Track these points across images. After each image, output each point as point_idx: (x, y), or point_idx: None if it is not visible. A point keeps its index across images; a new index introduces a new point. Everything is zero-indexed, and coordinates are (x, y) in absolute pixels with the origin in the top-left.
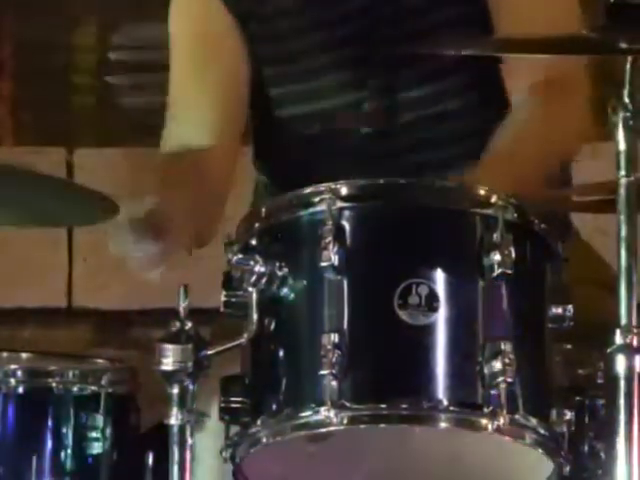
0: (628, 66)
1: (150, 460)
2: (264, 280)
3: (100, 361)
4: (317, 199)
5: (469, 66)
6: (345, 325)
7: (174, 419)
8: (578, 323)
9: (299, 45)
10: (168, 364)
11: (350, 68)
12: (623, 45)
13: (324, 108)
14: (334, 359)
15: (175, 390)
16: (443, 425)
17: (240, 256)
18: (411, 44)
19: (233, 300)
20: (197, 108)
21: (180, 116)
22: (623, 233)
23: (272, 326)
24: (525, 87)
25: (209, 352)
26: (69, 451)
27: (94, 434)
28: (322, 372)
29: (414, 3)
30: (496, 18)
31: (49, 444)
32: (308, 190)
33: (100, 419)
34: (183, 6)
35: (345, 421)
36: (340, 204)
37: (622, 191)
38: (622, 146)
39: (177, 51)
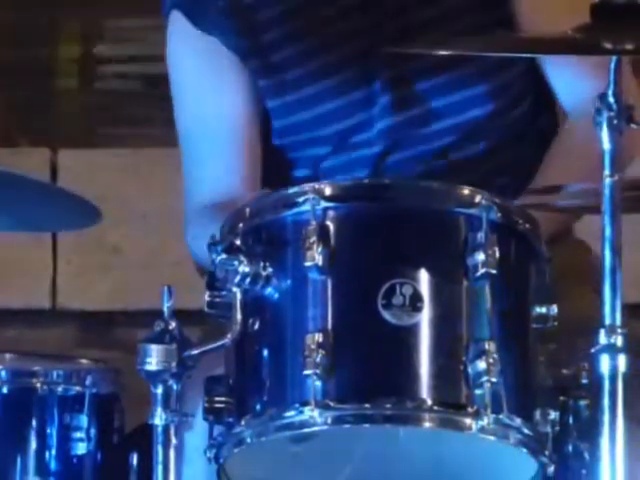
0: (612, 66)
1: (134, 460)
2: (248, 280)
3: (84, 361)
4: (301, 199)
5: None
6: (329, 325)
7: (158, 419)
8: (570, 322)
9: (301, 72)
10: (152, 364)
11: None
12: (608, 45)
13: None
14: (318, 359)
15: (159, 390)
16: (427, 425)
17: (224, 256)
18: (415, 38)
19: (217, 300)
20: (220, 151)
21: (206, 161)
22: (607, 233)
23: (256, 326)
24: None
25: (193, 352)
26: (53, 451)
27: (78, 434)
28: (306, 372)
29: None
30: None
31: (33, 444)
32: (292, 190)
33: (84, 419)
34: (180, 46)
35: (329, 421)
36: (324, 204)
37: (606, 191)
38: (607, 145)
39: (181, 86)
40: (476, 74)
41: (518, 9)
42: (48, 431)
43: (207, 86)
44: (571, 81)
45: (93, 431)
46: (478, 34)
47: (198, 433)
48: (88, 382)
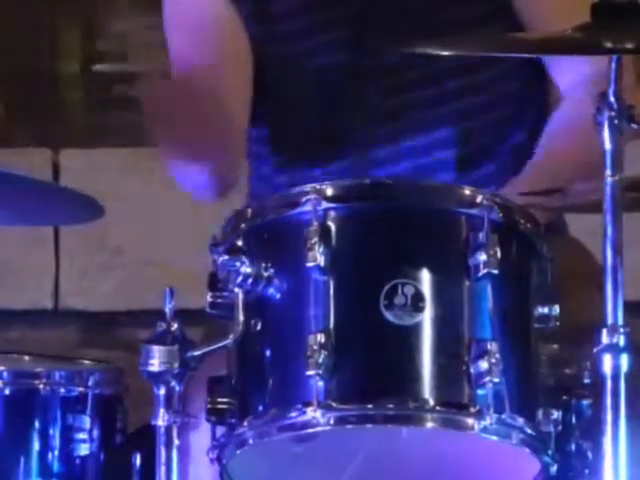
0: (613, 65)
1: (137, 461)
2: (250, 281)
3: (87, 362)
4: (303, 199)
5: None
6: (331, 325)
7: (161, 420)
8: (571, 322)
9: (293, 25)
10: (154, 365)
11: (347, 48)
12: (608, 44)
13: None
14: (320, 359)
15: (161, 391)
16: (430, 425)
17: (226, 257)
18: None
19: (219, 301)
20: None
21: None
22: (609, 233)
23: (258, 327)
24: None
25: (195, 353)
26: (56, 452)
27: (81, 435)
28: (308, 373)
29: None
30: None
31: (36, 446)
32: (294, 191)
33: (87, 420)
34: None
35: (332, 421)
36: (325, 204)
37: (608, 190)
38: (608, 145)
39: (175, 36)
40: (464, 67)
41: (517, 5)
42: (51, 432)
43: (206, 32)
44: (567, 65)
45: (96, 432)
46: (476, 25)
47: (204, 433)
48: (91, 383)
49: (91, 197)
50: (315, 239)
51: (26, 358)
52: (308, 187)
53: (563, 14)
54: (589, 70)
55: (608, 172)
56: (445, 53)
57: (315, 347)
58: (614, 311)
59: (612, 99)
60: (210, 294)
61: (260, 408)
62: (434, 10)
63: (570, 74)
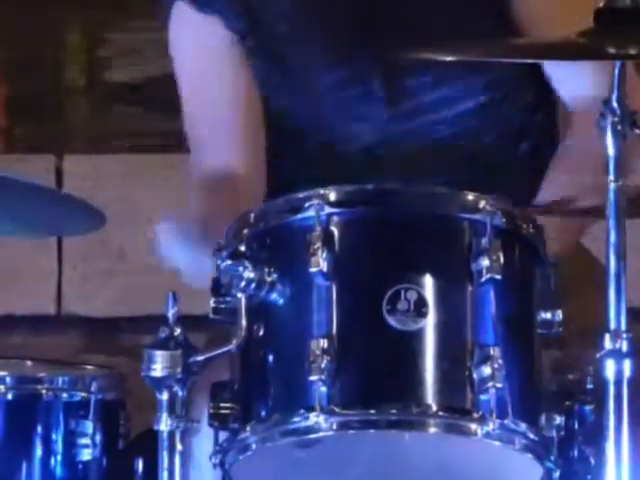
0: (616, 71)
1: (140, 466)
2: (253, 286)
3: (90, 367)
4: (306, 205)
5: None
6: (334, 331)
7: (163, 425)
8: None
9: (298, 54)
10: (157, 370)
11: (351, 66)
12: (611, 50)
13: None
14: (323, 365)
15: (164, 396)
16: (432, 430)
17: (229, 262)
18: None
19: (222, 306)
20: (221, 135)
21: (207, 145)
22: (612, 238)
23: (261, 332)
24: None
25: (198, 358)
26: (59, 458)
27: (84, 440)
28: (311, 378)
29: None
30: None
31: (39, 451)
32: (297, 196)
33: (90, 425)
34: (181, 29)
35: (334, 427)
36: (329, 210)
37: (611, 196)
38: (611, 151)
39: (184, 72)
40: (469, 67)
41: (518, 8)
42: (53, 437)
43: (208, 71)
44: (571, 75)
45: (98, 437)
46: (477, 29)
47: (206, 438)
48: (93, 388)
49: (93, 205)
50: (318, 244)
51: (29, 363)
52: (311, 192)
53: (562, 17)
54: (591, 81)
55: (611, 177)
56: (448, 59)
57: (318, 352)
58: (617, 316)
59: (615, 105)
60: (213, 299)
61: (263, 413)
62: (434, 13)
63: (572, 82)
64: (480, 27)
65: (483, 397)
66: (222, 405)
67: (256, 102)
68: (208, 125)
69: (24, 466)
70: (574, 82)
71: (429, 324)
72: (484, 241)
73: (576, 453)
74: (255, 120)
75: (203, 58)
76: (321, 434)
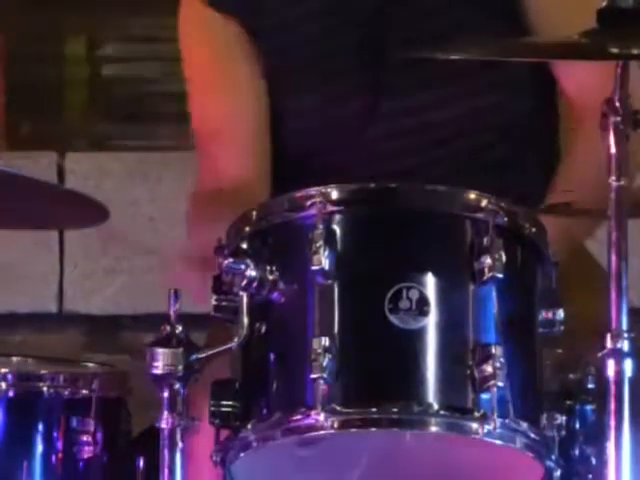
0: (619, 71)
1: (141, 464)
2: (255, 284)
3: (91, 365)
4: (308, 203)
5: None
6: (336, 329)
7: (164, 423)
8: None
9: (310, 54)
10: (158, 368)
11: (364, 71)
12: (614, 50)
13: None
14: (324, 363)
15: (166, 394)
16: (434, 429)
17: (231, 260)
18: (425, 46)
19: (224, 304)
20: (230, 144)
21: (215, 155)
22: (613, 238)
23: (263, 330)
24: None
25: (200, 356)
26: (60, 455)
27: (85, 438)
28: (313, 376)
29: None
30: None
31: (40, 448)
32: (299, 194)
33: (91, 423)
34: (191, 25)
35: (336, 425)
36: (330, 208)
37: (612, 196)
38: (613, 150)
39: (194, 69)
40: (477, 66)
41: (527, 8)
42: (54, 435)
43: (219, 77)
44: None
45: (99, 435)
46: (482, 28)
47: (207, 436)
48: (95, 386)
49: (95, 200)
50: (320, 242)
51: (30, 361)
52: (313, 190)
53: (570, 16)
54: (595, 81)
55: (613, 177)
56: (451, 57)
57: (319, 350)
58: (618, 316)
59: (617, 104)
60: (214, 297)
61: (264, 411)
62: (438, 12)
63: (576, 77)
64: (487, 28)
65: (484, 396)
66: (223, 403)
67: (265, 101)
68: (217, 136)
69: (25, 464)
70: (578, 77)
71: (431, 323)
72: (486, 240)
73: (577, 453)
74: (264, 121)
75: (212, 53)
76: (322, 432)
